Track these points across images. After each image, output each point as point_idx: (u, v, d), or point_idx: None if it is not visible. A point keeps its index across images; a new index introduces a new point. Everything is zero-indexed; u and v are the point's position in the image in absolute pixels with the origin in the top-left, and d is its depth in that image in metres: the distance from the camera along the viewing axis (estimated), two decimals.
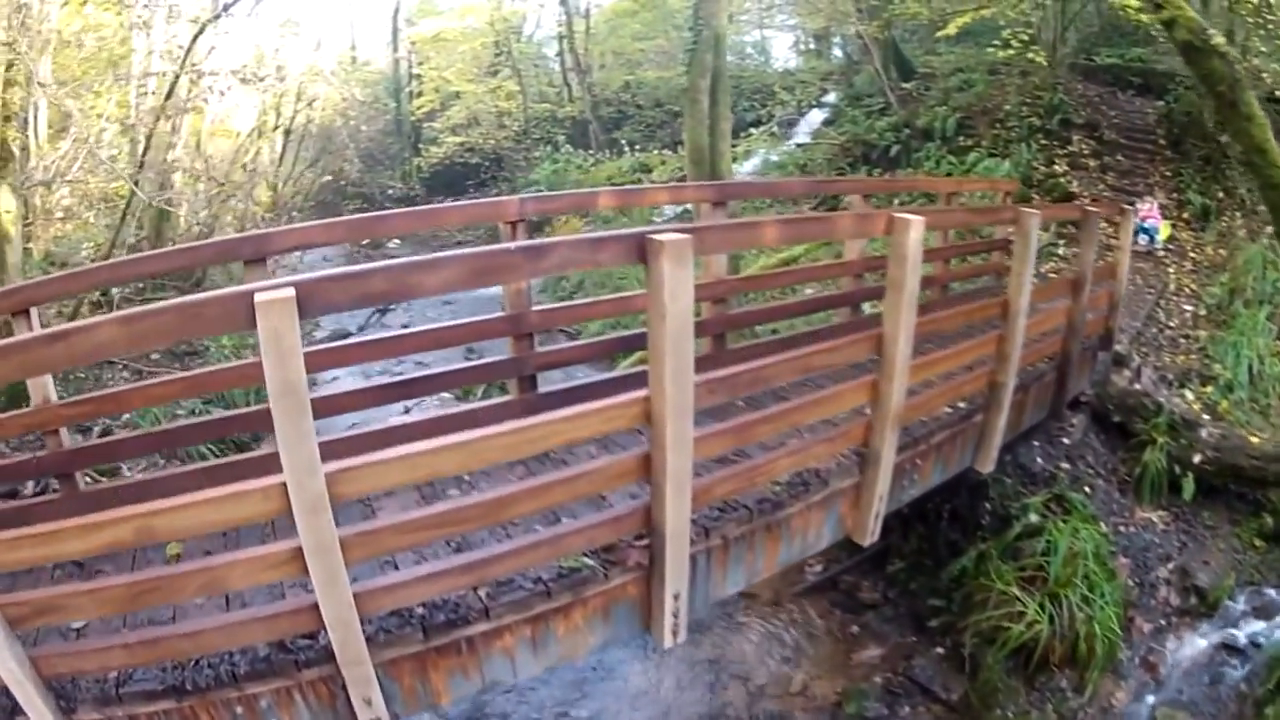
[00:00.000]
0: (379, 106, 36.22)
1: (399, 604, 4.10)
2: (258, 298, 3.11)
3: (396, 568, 4.39)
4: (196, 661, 3.88)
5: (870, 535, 5.80)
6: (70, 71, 16.85)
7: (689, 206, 23.80)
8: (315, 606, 3.64)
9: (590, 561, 4.60)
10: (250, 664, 3.91)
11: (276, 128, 25.90)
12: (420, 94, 35.47)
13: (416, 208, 6.68)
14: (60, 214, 16.69)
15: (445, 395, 15.50)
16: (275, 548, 3.65)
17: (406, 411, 14.38)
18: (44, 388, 5.18)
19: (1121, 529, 8.69)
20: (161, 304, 3.31)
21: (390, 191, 34.55)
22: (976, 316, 6.82)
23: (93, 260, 14.77)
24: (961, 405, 6.86)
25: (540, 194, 9.86)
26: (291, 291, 3.15)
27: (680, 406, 4.02)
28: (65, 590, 3.80)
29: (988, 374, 6.65)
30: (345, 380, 16.09)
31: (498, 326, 6.39)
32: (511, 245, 3.90)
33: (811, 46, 33.25)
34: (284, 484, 3.36)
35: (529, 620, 4.42)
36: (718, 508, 5.10)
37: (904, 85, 20.96)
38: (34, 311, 5.16)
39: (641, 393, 4.13)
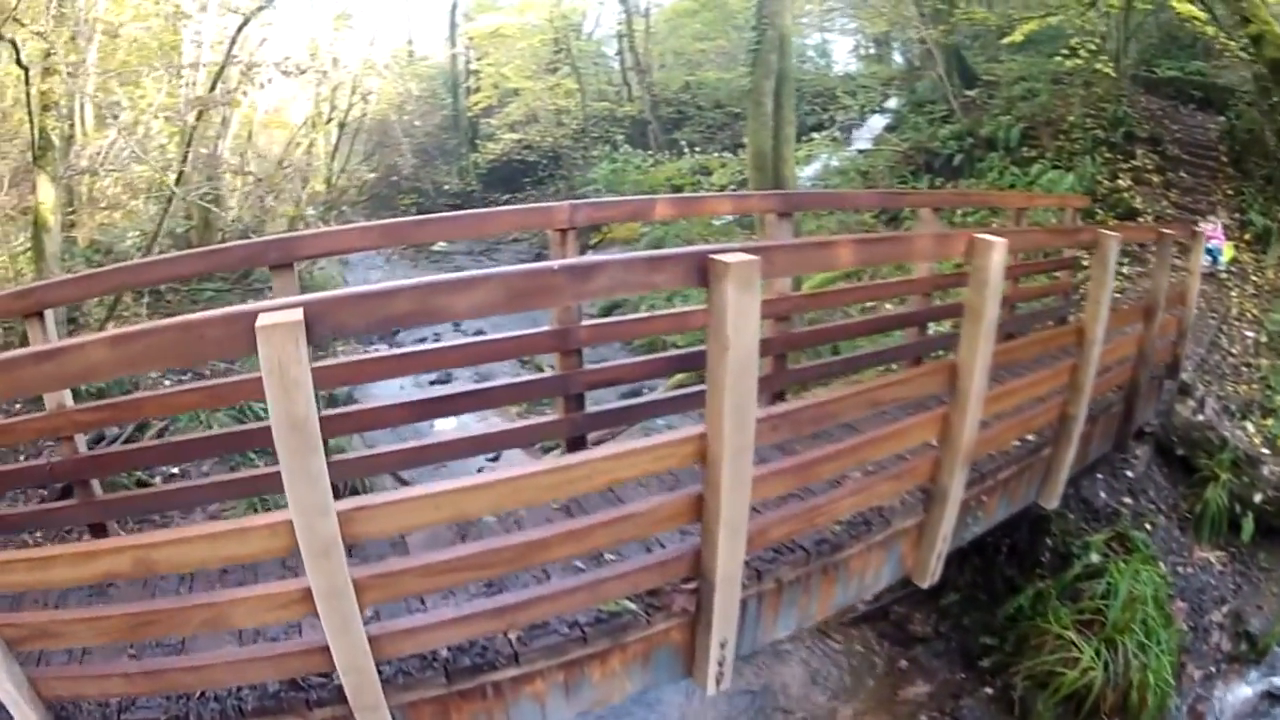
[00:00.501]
0: (436, 101, 36.13)
1: (421, 648, 3.80)
2: (260, 321, 2.72)
3: (423, 602, 4.06)
4: (202, 694, 3.69)
5: (931, 577, 5.46)
6: (118, 60, 16.69)
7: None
8: (327, 648, 3.35)
9: (632, 606, 4.24)
10: (259, 700, 3.68)
11: (330, 120, 25.71)
12: (478, 90, 35.23)
13: (459, 213, 6.12)
14: (104, 203, 16.47)
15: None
16: (284, 587, 3.37)
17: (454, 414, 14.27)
18: (60, 392, 4.84)
19: (1180, 569, 8.34)
20: (157, 324, 3.01)
21: (446, 187, 34.50)
22: (1051, 345, 6.48)
23: (139, 249, 14.59)
24: (1030, 438, 6.48)
25: (593, 200, 9.22)
26: (299, 314, 2.77)
27: (739, 447, 3.61)
28: (64, 616, 3.63)
29: (1059, 405, 6.23)
30: (390, 384, 15.99)
31: (544, 342, 5.97)
32: (554, 265, 3.41)
33: (872, 51, 32.70)
34: (291, 521, 3.03)
35: (562, 666, 4.08)
36: (772, 549, 4.71)
37: (967, 93, 20.39)
38: (49, 315, 4.90)
39: (696, 430, 3.72)
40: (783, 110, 10.77)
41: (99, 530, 5.14)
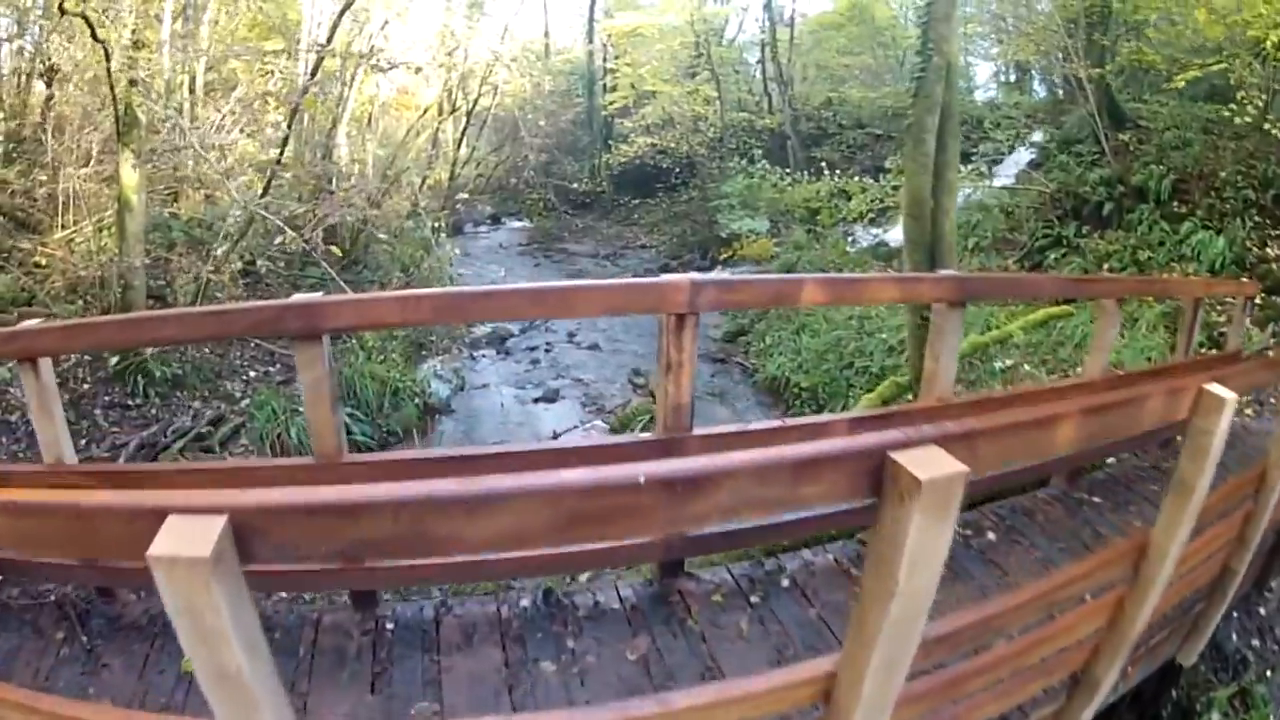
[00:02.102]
0: (569, 98, 35.58)
1: None
2: (154, 547, 1.70)
3: None
4: None
5: None
6: (238, 36, 16.29)
7: (882, 235, 22.69)
8: None
9: None
10: None
11: (455, 110, 25.07)
12: (614, 89, 34.54)
13: (538, 289, 4.60)
14: (205, 184, 15.98)
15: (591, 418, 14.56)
16: None
17: (555, 436, 13.42)
18: (56, 445, 4.37)
19: None
20: (47, 504, 2.16)
21: (575, 186, 33.97)
22: (1232, 496, 5.26)
23: (237, 229, 14.00)
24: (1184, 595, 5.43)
25: (721, 278, 7.91)
26: (215, 533, 1.72)
27: (877, 704, 2.57)
28: None
29: (1222, 559, 5.25)
30: (496, 390, 15.21)
31: (639, 450, 4.85)
32: (640, 474, 2.11)
33: (1013, 79, 31.54)
34: None
35: None
36: None
37: (1119, 136, 18.88)
38: (44, 365, 4.26)
39: (821, 666, 2.67)
40: (946, 153, 9.38)
41: (105, 593, 4.71)
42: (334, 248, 14.55)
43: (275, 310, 4.21)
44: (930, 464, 2.13)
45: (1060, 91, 25.64)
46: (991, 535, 6.05)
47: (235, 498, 1.85)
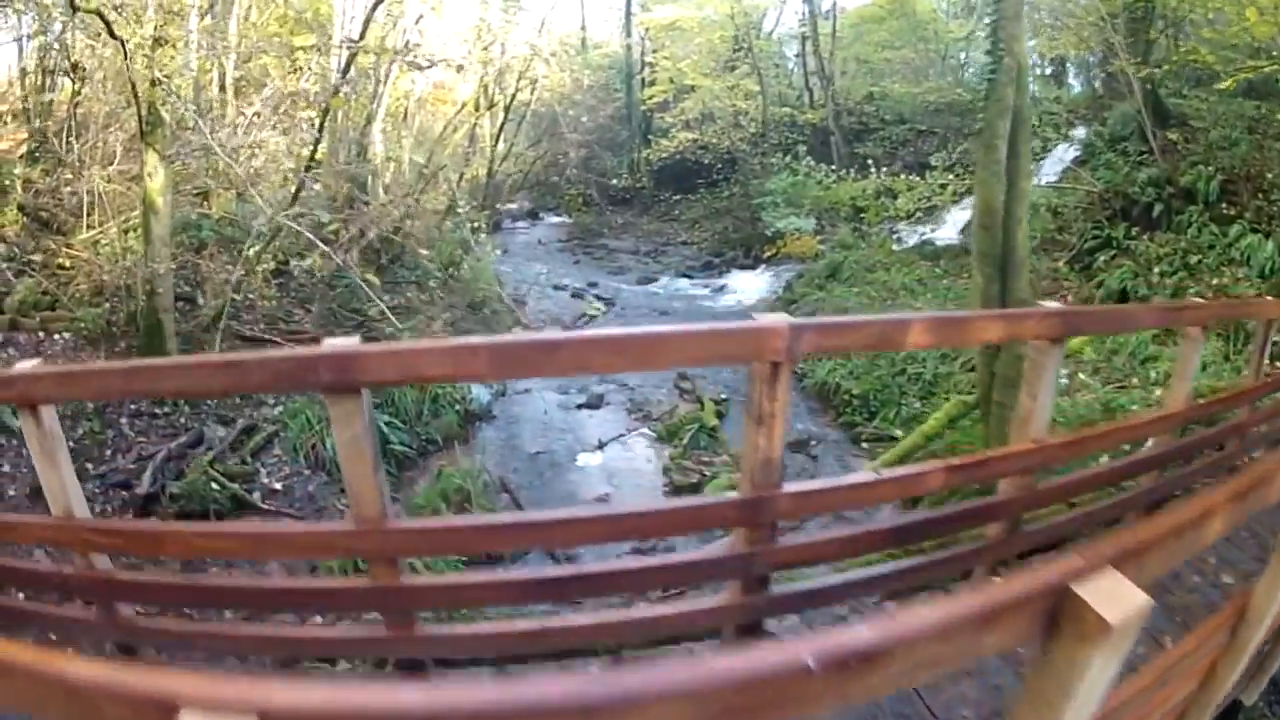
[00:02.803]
0: (608, 92, 35.20)
1: None
2: None
3: None
4: None
5: None
6: (268, 30, 15.95)
7: (927, 234, 22.13)
8: None
9: None
10: None
11: (493, 106, 24.69)
12: (652, 83, 34.23)
13: (617, 336, 3.75)
14: (228, 184, 15.66)
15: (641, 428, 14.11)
16: None
17: (600, 446, 12.98)
18: (63, 495, 3.86)
19: None
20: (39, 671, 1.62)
21: (614, 181, 33.69)
22: None
23: (268, 229, 13.59)
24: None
25: (820, 321, 6.95)
26: None
27: None
28: None
29: None
30: (539, 394, 14.78)
31: (727, 514, 4.27)
32: (808, 657, 1.55)
33: (1048, 71, 30.90)
34: None
35: None
36: None
37: (1169, 136, 18.25)
38: (46, 413, 3.76)
39: None
40: (1018, 160, 8.81)
41: (128, 651, 4.24)
42: (371, 277, 14.12)
43: (302, 361, 3.60)
44: (1116, 599, 1.78)
45: (1097, 85, 25.64)
46: None
47: (265, 694, 1.36)
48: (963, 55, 31.56)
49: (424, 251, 17.32)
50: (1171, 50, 18.94)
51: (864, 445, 13.29)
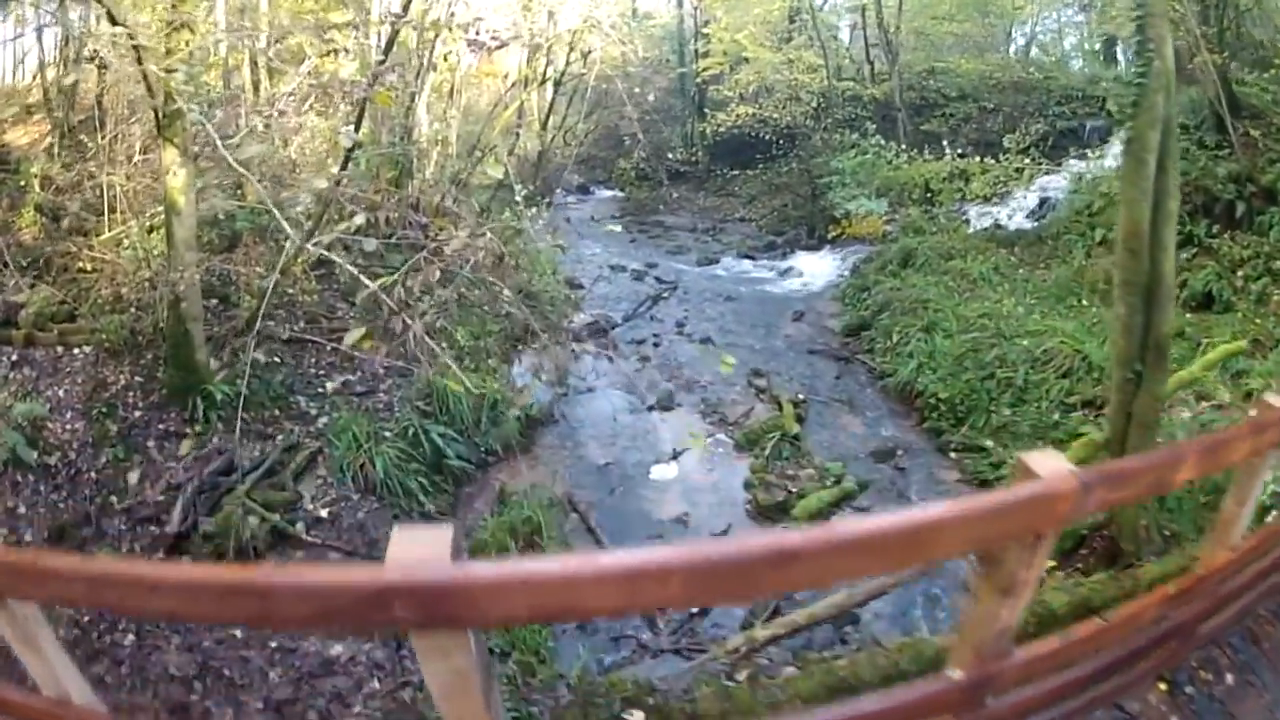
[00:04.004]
0: (661, 64, 34.08)
1: None
2: None
3: None
4: None
5: None
6: (304, 9, 15.09)
7: (996, 216, 21.09)
8: None
9: None
10: None
11: (544, 80, 23.91)
12: (707, 54, 33.25)
13: (855, 532, 2.45)
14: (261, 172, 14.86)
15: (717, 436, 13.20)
16: None
17: (675, 456, 12.03)
18: (55, 681, 2.96)
19: None
20: None
21: (670, 155, 33.09)
22: None
23: (307, 217, 12.64)
24: None
25: (1108, 473, 5.22)
26: None
27: None
28: None
29: None
30: (604, 394, 14.35)
31: (945, 699, 3.04)
32: None
33: (1097, 47, 30.32)
34: None
35: None
36: None
37: (1250, 130, 17.09)
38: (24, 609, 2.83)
39: None
40: (1166, 175, 7.64)
41: None
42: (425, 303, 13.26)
43: (364, 595, 2.06)
44: None
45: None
46: (1230, 678, 5.17)
47: None
48: (1024, 31, 31.56)
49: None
50: (1235, 33, 18.23)
51: (952, 455, 12.45)
